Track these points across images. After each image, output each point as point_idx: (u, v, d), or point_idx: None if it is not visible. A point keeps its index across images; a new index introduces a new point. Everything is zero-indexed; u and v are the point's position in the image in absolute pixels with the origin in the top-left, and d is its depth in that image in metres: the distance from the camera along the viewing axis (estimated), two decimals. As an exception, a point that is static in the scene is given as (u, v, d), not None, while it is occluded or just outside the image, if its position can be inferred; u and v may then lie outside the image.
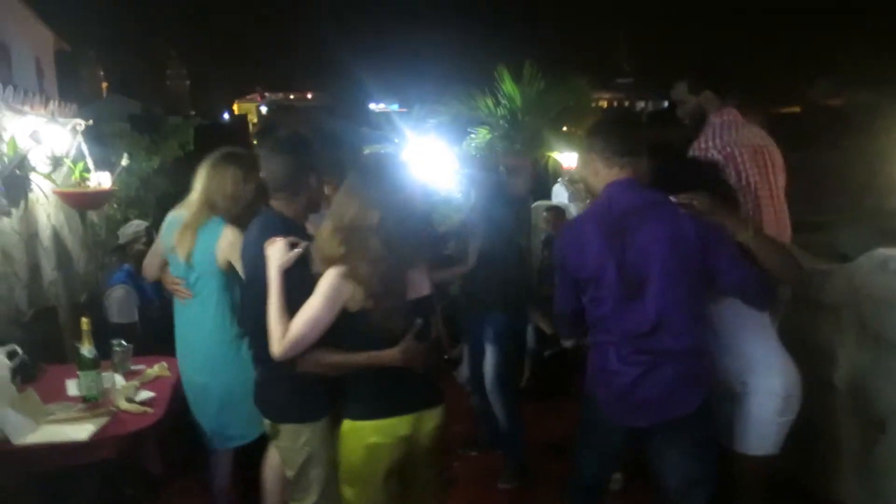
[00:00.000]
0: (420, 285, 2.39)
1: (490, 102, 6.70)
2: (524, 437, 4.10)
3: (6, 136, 3.45)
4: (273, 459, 2.97)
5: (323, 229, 2.30)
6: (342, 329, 2.27)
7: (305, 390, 2.48)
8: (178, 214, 3.07)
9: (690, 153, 3.25)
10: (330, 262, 2.25)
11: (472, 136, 7.09)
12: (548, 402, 5.14)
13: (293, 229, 2.45)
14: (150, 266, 3.28)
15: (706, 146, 3.24)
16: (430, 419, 2.42)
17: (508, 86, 6.51)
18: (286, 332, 2.24)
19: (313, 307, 2.23)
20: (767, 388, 2.56)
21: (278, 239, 2.33)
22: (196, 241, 2.95)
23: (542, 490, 3.92)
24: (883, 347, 3.21)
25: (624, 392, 2.41)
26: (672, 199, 2.35)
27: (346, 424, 2.37)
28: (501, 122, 6.63)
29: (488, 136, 6.81)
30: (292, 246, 2.34)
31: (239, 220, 2.89)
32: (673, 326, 2.35)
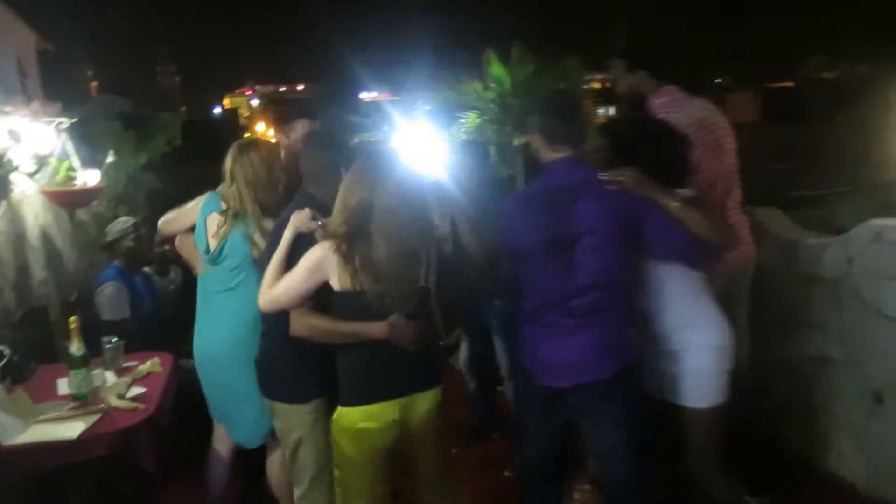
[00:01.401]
0: (419, 274, 2.43)
1: (479, 86, 6.65)
2: None
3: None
4: (275, 463, 3.00)
5: (335, 210, 2.42)
6: (334, 307, 2.39)
7: (296, 371, 2.59)
8: (216, 201, 2.97)
9: None
10: (330, 237, 2.37)
11: (462, 120, 7.05)
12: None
13: (324, 210, 2.54)
14: (184, 245, 3.16)
15: None
16: (423, 402, 2.46)
17: (497, 68, 6.45)
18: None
19: (292, 274, 2.40)
20: (704, 342, 2.66)
21: (306, 210, 2.50)
22: (230, 233, 2.89)
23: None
24: (879, 319, 3.19)
25: (548, 354, 2.57)
26: (601, 176, 2.50)
27: (338, 411, 2.44)
28: (491, 105, 6.58)
29: (478, 121, 6.77)
30: (314, 219, 2.50)
31: (275, 211, 2.86)
32: (598, 295, 2.50)
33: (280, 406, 2.63)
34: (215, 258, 2.90)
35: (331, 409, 2.55)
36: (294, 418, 2.60)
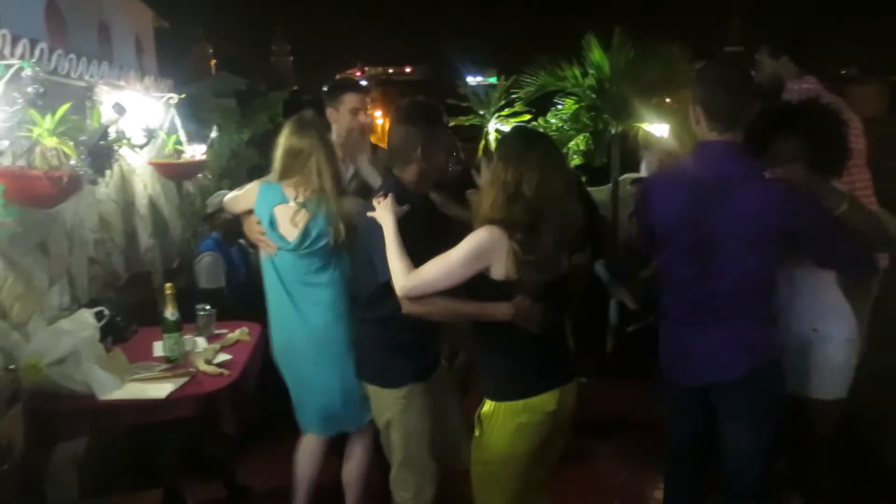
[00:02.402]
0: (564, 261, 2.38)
1: (577, 72, 6.52)
2: None
3: (102, 109, 3.62)
4: (352, 453, 3.06)
5: (490, 201, 2.25)
6: (465, 287, 2.27)
7: (390, 357, 2.60)
8: (276, 191, 2.87)
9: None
10: (501, 225, 2.21)
11: (559, 106, 6.96)
12: (624, 380, 4.89)
13: (407, 194, 2.51)
14: (249, 226, 3.00)
15: None
16: (571, 392, 2.43)
17: (597, 54, 6.30)
18: (411, 269, 2.26)
19: (450, 259, 2.23)
20: (838, 334, 2.58)
21: (388, 199, 2.42)
22: (313, 217, 2.82)
23: (576, 465, 3.80)
24: None
25: (679, 350, 2.48)
26: (766, 173, 2.26)
27: (492, 406, 2.35)
28: (588, 92, 6.43)
29: (575, 107, 6.65)
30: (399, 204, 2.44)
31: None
32: (737, 296, 2.35)
33: (373, 389, 2.67)
34: (298, 246, 2.83)
35: (425, 395, 2.60)
36: (386, 401, 2.62)
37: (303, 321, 2.89)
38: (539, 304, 2.24)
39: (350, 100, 3.18)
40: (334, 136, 3.11)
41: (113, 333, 3.25)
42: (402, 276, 2.27)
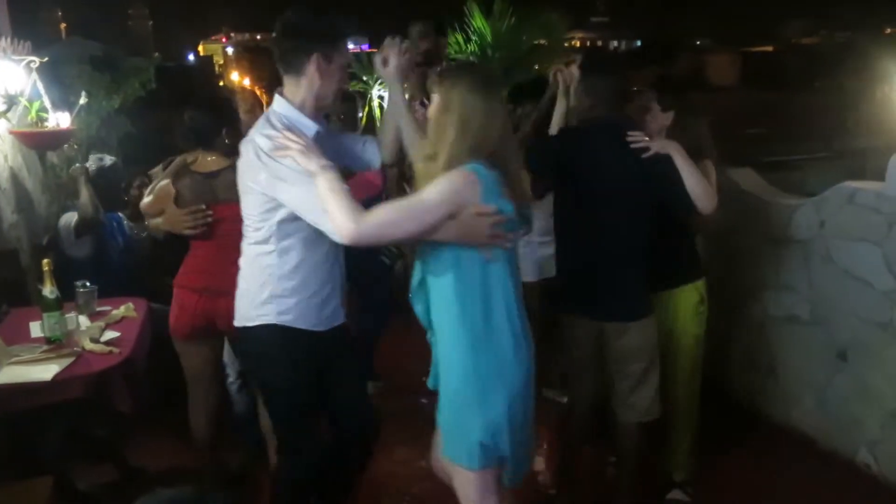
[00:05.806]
0: None
1: (460, 38, 6.55)
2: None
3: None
4: None
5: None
6: None
7: (637, 285, 2.77)
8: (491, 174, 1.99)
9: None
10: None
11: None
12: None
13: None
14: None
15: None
16: None
17: (478, 20, 6.36)
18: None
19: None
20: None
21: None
22: None
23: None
24: (847, 280, 3.27)
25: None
26: None
27: (704, 284, 3.01)
28: (471, 58, 6.47)
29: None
30: None
31: None
32: None
33: (642, 323, 2.76)
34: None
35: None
36: (651, 329, 2.78)
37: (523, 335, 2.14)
38: None
39: (347, 52, 2.35)
40: (313, 96, 2.25)
41: (-18, 315, 3.02)
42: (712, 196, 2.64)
